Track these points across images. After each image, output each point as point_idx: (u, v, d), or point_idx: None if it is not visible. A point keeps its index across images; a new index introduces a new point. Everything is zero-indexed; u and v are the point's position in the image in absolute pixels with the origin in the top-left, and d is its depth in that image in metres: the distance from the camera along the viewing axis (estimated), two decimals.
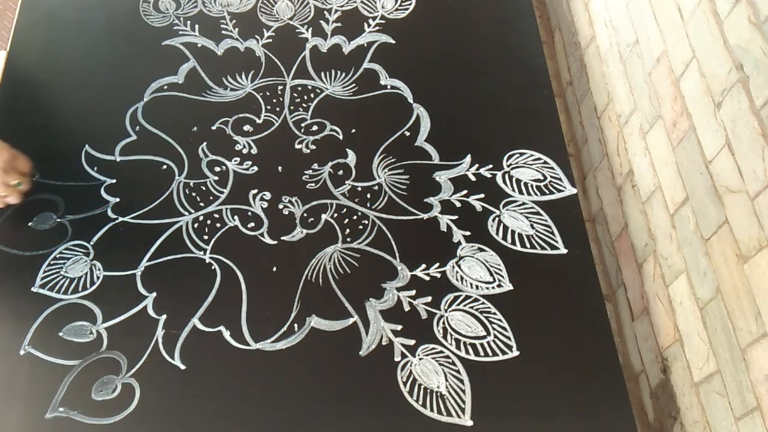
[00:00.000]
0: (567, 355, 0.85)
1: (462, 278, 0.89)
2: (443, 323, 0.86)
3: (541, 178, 0.97)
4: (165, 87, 1.05)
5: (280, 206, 0.95)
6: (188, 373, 0.82)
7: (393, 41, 1.10)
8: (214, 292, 0.88)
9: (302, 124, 1.02)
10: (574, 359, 0.84)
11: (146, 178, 0.96)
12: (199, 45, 1.09)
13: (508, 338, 0.85)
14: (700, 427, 0.83)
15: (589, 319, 0.87)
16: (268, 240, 0.92)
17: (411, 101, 1.04)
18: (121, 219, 0.93)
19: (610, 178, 1.08)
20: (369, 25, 1.12)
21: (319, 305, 0.87)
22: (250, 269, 0.89)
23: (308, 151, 0.99)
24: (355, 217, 0.94)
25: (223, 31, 1.11)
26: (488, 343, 0.85)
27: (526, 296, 0.88)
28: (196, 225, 0.92)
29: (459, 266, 0.90)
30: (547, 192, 0.96)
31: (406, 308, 0.87)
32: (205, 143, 0.99)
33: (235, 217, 0.93)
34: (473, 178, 0.97)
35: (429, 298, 0.87)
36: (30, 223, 0.92)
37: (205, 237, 0.92)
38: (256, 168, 0.98)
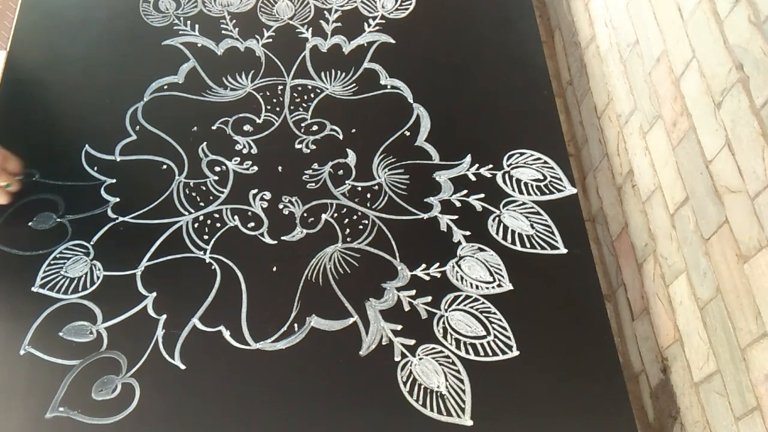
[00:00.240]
0: (567, 355, 0.85)
1: (462, 278, 0.89)
2: (443, 323, 0.86)
3: (541, 178, 0.97)
4: (165, 87, 1.05)
5: (280, 206, 0.95)
6: (188, 373, 0.82)
7: (393, 41, 1.10)
8: (214, 292, 0.88)
9: (302, 124, 1.02)
10: (574, 359, 0.84)
11: (146, 178, 0.96)
12: (199, 45, 1.09)
13: (508, 338, 0.85)
14: (700, 427, 0.83)
15: (589, 319, 0.87)
16: (268, 240, 0.92)
17: (411, 101, 1.04)
18: (121, 219, 0.93)
19: (610, 178, 1.08)
20: (369, 25, 1.12)
21: (319, 305, 0.87)
22: (250, 269, 0.89)
23: (308, 151, 0.99)
24: (355, 217, 0.94)
25: (223, 31, 1.11)
26: (488, 343, 0.85)
27: (526, 296, 0.88)
28: (196, 225, 0.92)
29: (459, 266, 0.90)
30: (547, 192, 0.96)
31: (406, 308, 0.87)
32: (205, 143, 0.99)
33: (235, 217, 0.93)
34: (473, 178, 0.97)
35: (429, 298, 0.87)
36: (30, 223, 0.92)
37: (205, 237, 0.92)
38: (256, 168, 0.98)
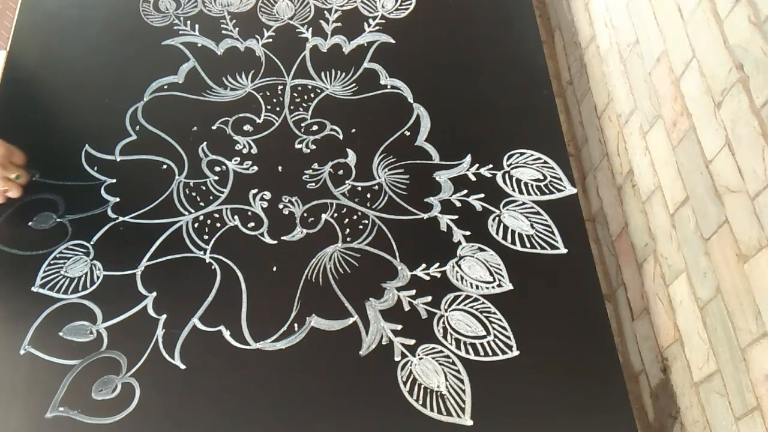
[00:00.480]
0: (567, 355, 0.85)
1: (462, 278, 0.89)
2: (443, 323, 0.86)
3: (541, 177, 0.97)
4: (165, 87, 1.05)
5: (280, 206, 0.95)
6: (188, 372, 0.82)
7: (393, 41, 1.10)
8: (214, 292, 0.88)
9: (302, 124, 1.02)
10: (574, 359, 0.84)
11: (146, 178, 0.96)
12: (199, 45, 1.09)
13: (508, 338, 0.85)
14: (700, 427, 0.83)
15: (589, 319, 0.87)
16: (268, 240, 0.92)
17: (411, 101, 1.04)
18: (121, 219, 0.93)
19: (610, 177, 1.08)
20: (369, 25, 1.12)
21: (319, 305, 0.87)
22: (250, 269, 0.89)
23: (308, 150, 0.99)
24: (355, 217, 0.94)
25: (223, 31, 1.11)
26: (488, 342, 0.85)
27: (526, 296, 0.88)
28: (196, 225, 0.92)
29: (459, 266, 0.90)
30: (547, 192, 0.96)
31: (406, 308, 0.87)
32: (205, 143, 0.99)
33: (235, 217, 0.93)
34: (473, 178, 0.97)
35: (429, 298, 0.87)
36: (30, 223, 0.92)
37: (205, 237, 0.92)
38: (256, 168, 0.98)
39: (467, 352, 0.84)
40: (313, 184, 0.96)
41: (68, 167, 0.96)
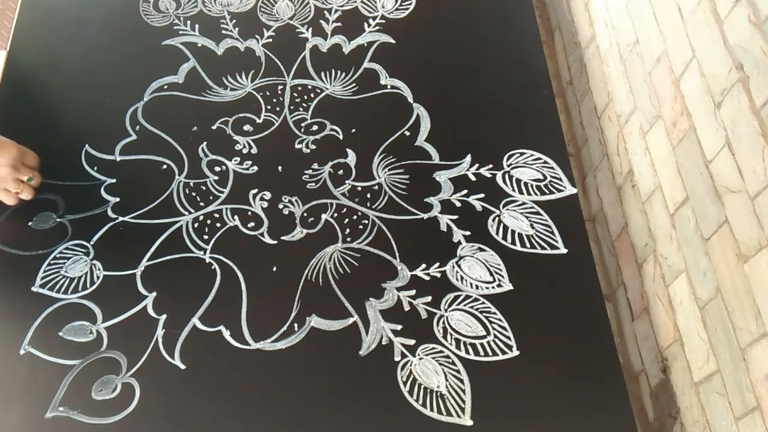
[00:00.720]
0: (567, 355, 0.85)
1: (462, 278, 0.89)
2: (443, 323, 0.86)
3: (541, 177, 0.97)
4: (165, 87, 1.05)
5: (280, 206, 0.95)
6: (188, 372, 0.82)
7: (393, 41, 1.11)
8: (214, 292, 0.88)
9: (302, 124, 1.02)
10: (574, 359, 0.84)
11: (146, 178, 0.96)
12: (199, 45, 1.09)
13: (508, 338, 0.85)
14: (700, 427, 0.83)
15: (589, 319, 0.87)
16: (268, 240, 0.92)
17: (411, 101, 1.04)
18: (121, 219, 0.93)
19: (610, 178, 1.08)
20: (369, 25, 1.12)
21: (319, 305, 0.87)
22: (250, 269, 0.89)
23: (308, 150, 0.99)
24: (355, 217, 0.94)
25: (223, 31, 1.11)
26: (488, 342, 0.85)
27: (526, 296, 0.88)
28: (196, 225, 0.92)
29: (459, 266, 0.90)
30: (547, 192, 0.96)
31: (406, 308, 0.87)
32: (205, 143, 0.99)
33: (235, 217, 0.93)
34: (473, 178, 0.97)
35: (429, 298, 0.87)
36: (30, 223, 0.92)
37: (205, 237, 0.92)
38: (256, 168, 0.98)
39: (467, 352, 0.84)
40: (313, 184, 0.96)
41: (68, 167, 0.96)
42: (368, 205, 0.95)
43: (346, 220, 0.93)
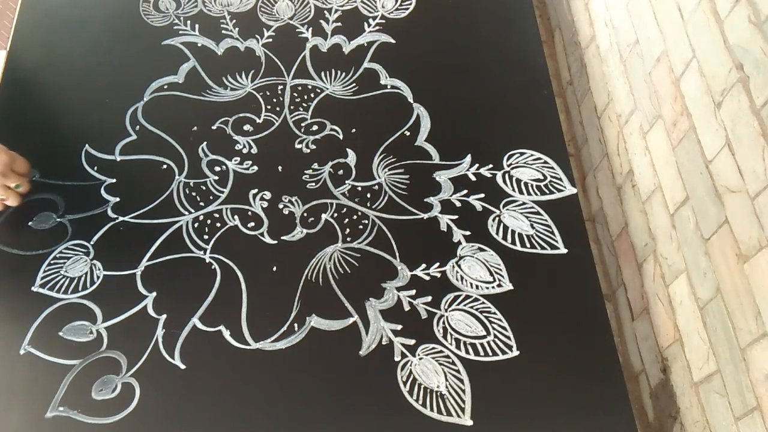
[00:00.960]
0: (567, 355, 0.85)
1: (462, 278, 0.89)
2: (443, 323, 0.86)
3: (541, 177, 0.97)
4: (165, 87, 1.05)
5: (280, 206, 0.95)
6: (188, 372, 0.82)
7: (393, 41, 1.11)
8: (214, 292, 0.88)
9: (302, 124, 1.02)
10: (574, 359, 0.84)
11: (146, 178, 0.96)
12: (199, 45, 1.09)
13: (508, 338, 0.85)
14: (700, 427, 0.83)
15: (589, 319, 0.87)
16: (268, 240, 0.92)
17: (411, 101, 1.04)
18: (121, 219, 0.93)
19: (610, 177, 1.08)
20: (369, 25, 1.12)
21: (319, 305, 0.87)
22: (250, 269, 0.89)
23: (308, 150, 0.99)
24: (355, 217, 0.94)
25: (223, 31, 1.11)
26: (488, 342, 0.85)
27: (526, 296, 0.88)
28: (196, 225, 0.92)
29: (459, 266, 0.90)
30: (547, 192, 0.96)
31: (406, 308, 0.87)
32: (205, 143, 0.99)
33: (235, 217, 0.93)
34: (473, 178, 0.97)
35: (429, 298, 0.87)
36: (30, 223, 0.92)
37: (205, 237, 0.92)
38: (256, 168, 0.98)
39: (467, 352, 0.84)
40: (313, 184, 0.96)
41: (68, 167, 0.96)
42: (368, 205, 0.95)
43: (346, 220, 0.93)
